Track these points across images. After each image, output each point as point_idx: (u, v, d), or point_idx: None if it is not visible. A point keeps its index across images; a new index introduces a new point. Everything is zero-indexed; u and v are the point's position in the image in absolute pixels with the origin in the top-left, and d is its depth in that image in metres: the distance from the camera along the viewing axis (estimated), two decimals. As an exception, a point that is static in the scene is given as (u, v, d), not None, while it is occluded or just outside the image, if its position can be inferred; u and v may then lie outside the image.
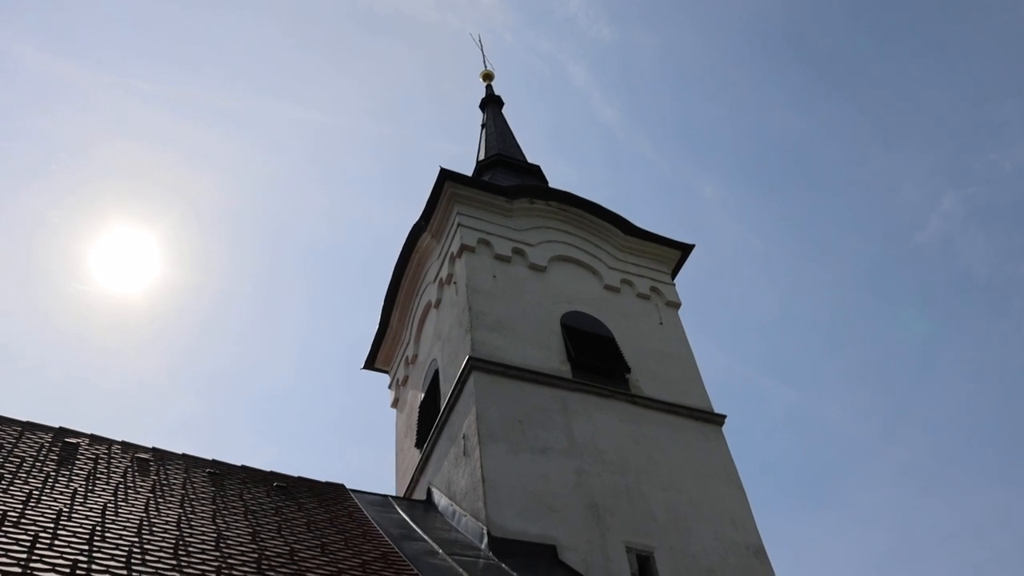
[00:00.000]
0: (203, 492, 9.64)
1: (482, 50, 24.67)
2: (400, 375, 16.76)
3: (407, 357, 16.41)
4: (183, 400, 39.75)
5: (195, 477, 10.35)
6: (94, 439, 10.88)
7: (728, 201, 44.05)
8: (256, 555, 7.44)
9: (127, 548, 6.66)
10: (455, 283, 14.44)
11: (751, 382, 38.18)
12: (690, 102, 47.38)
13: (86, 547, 6.49)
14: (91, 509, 7.77)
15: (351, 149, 47.01)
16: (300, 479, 11.96)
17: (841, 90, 43.88)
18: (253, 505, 9.63)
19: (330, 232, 45.67)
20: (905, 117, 42.03)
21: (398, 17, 47.53)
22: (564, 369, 13.15)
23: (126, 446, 11.00)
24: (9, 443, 9.75)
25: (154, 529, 7.53)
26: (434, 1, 47.23)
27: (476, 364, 12.43)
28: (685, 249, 16.64)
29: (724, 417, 13.68)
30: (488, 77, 24.15)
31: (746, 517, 12.35)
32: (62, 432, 10.77)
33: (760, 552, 11.95)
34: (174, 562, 6.63)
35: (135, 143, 40.40)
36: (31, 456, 9.43)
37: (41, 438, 10.26)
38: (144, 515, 7.95)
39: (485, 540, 10.29)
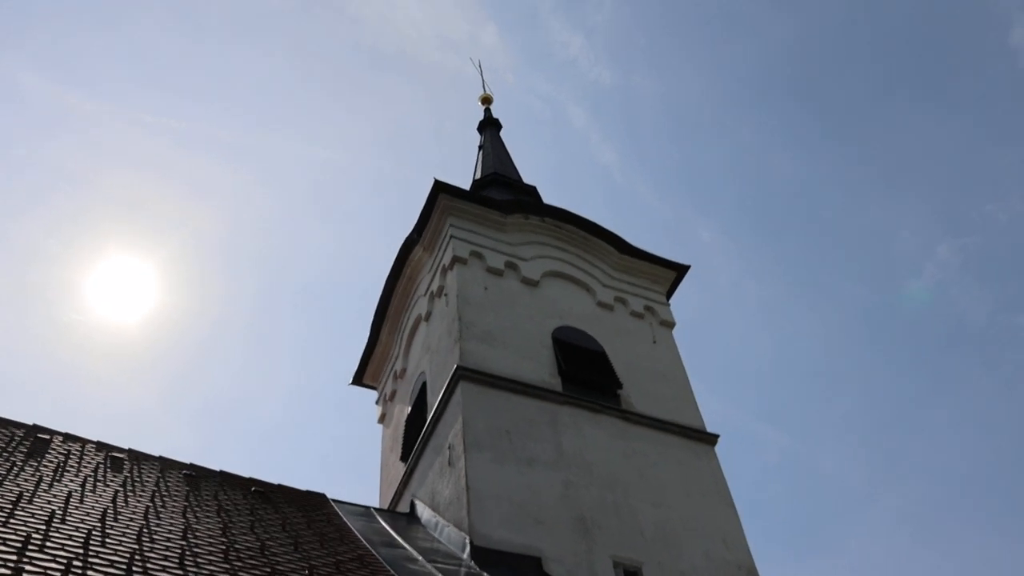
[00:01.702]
0: (176, 490, 9.32)
1: (481, 74, 24.68)
2: (388, 390, 16.45)
3: (395, 371, 16.12)
4: (176, 429, 39.24)
5: (169, 477, 10.03)
6: (68, 437, 10.58)
7: (725, 245, 43.97)
8: (224, 547, 7.12)
9: (86, 531, 6.35)
10: (446, 295, 14.21)
11: (743, 426, 37.77)
12: (689, 145, 47.53)
13: (44, 527, 6.18)
14: (55, 496, 7.46)
15: (352, 183, 47.01)
16: (280, 486, 11.62)
17: (841, 135, 44.02)
18: (227, 505, 9.30)
19: (329, 265, 45.50)
20: (903, 165, 42.09)
21: (401, 56, 47.76)
22: (554, 382, 12.88)
23: (101, 445, 10.69)
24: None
25: (119, 517, 7.22)
26: (437, 41, 47.48)
27: (464, 374, 12.16)
28: (680, 270, 16.44)
29: (717, 437, 13.38)
30: (487, 101, 24.12)
31: (738, 536, 12.01)
32: (35, 428, 10.47)
33: (752, 572, 11.59)
34: (136, 546, 6.32)
35: (136, 173, 40.32)
36: (3, 450, 9.12)
37: (12, 433, 9.95)
38: (111, 504, 7.64)
39: (467, 549, 9.95)
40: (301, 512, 10.44)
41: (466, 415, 11.65)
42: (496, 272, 14.47)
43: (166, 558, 6.22)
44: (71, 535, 6.14)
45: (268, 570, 6.75)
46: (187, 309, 38.45)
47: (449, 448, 11.77)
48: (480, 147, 22.02)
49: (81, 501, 7.50)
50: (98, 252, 35.51)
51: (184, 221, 40.38)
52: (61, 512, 6.80)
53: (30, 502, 6.95)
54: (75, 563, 5.41)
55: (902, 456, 38.76)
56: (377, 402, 17.01)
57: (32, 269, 36.73)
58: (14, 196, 37.39)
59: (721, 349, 40.88)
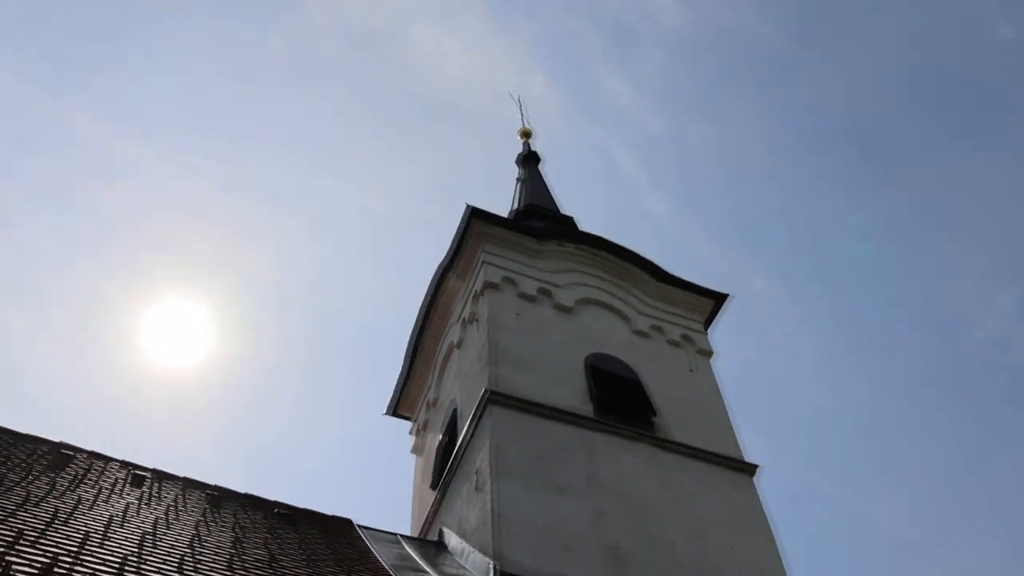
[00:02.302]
0: (193, 506, 9.13)
1: (520, 109, 24.72)
2: (421, 420, 16.21)
3: (428, 401, 15.89)
4: (228, 474, 39.27)
5: (190, 495, 9.85)
6: (93, 455, 10.49)
7: (779, 293, 43.13)
8: (229, 557, 6.89)
9: (85, 532, 6.18)
10: (477, 320, 13.99)
11: (796, 478, 36.70)
12: (742, 193, 46.88)
13: (43, 527, 6.02)
14: (64, 502, 7.32)
15: (400, 227, 47.26)
16: (306, 510, 11.39)
17: (896, 182, 43.15)
18: (245, 522, 9.10)
19: (377, 306, 45.62)
20: (961, 212, 40.98)
21: (450, 104, 48.19)
22: (587, 409, 12.53)
23: (125, 463, 10.59)
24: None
25: (126, 524, 7.04)
26: (487, 93, 47.79)
27: (494, 398, 11.88)
28: (718, 298, 16.04)
29: (756, 467, 12.87)
30: (526, 135, 24.07)
31: (778, 570, 11.45)
32: (59, 445, 10.41)
33: (793, 608, 11.03)
34: (135, 549, 6.12)
35: (189, 218, 41.13)
36: (23, 462, 9.04)
37: (37, 447, 9.89)
38: (120, 513, 7.47)
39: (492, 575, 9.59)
40: (323, 534, 10.19)
41: (495, 440, 11.35)
42: (529, 298, 14.23)
43: (164, 561, 6.01)
44: (69, 535, 5.96)
45: (273, 581, 6.52)
46: (239, 354, 38.71)
47: (476, 473, 11.45)
48: (519, 180, 21.93)
49: (91, 508, 7.35)
50: (154, 296, 36.06)
51: (236, 265, 40.94)
52: (65, 516, 6.63)
53: (36, 505, 6.81)
54: (63, 558, 5.21)
55: (961, 510, 37.22)
56: (411, 432, 16.77)
57: (89, 313, 37.39)
58: (72, 240, 38.27)
59: (774, 400, 40.00)
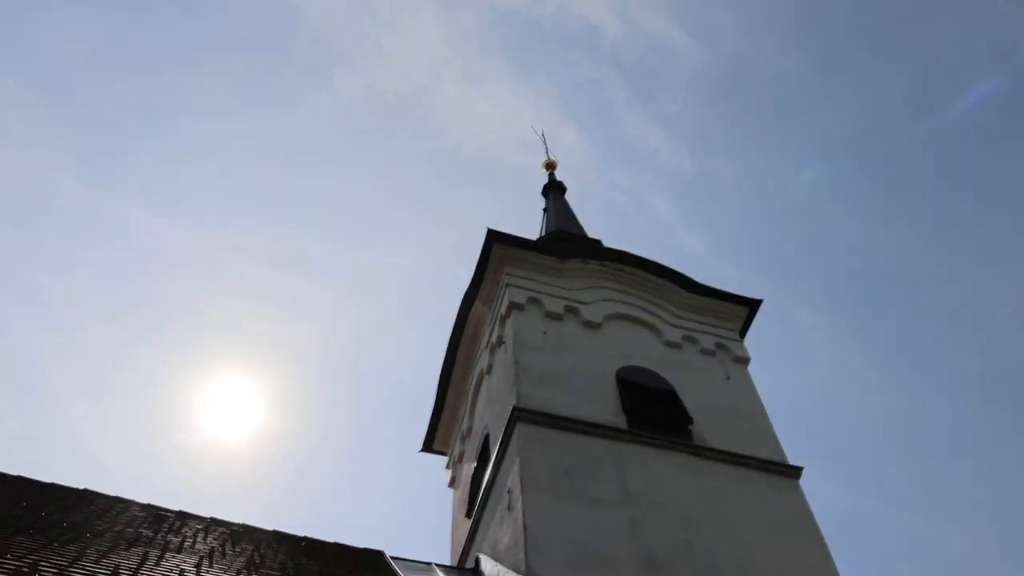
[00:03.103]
0: (211, 540, 8.92)
1: (544, 142, 24.74)
2: (456, 452, 15.93)
3: (463, 432, 15.62)
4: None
5: (212, 533, 9.65)
6: (117, 499, 10.38)
7: (824, 324, 42.13)
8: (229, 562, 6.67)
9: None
10: (504, 343, 13.77)
11: (861, 510, 35.43)
12: (778, 227, 46.11)
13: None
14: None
15: (437, 287, 47.40)
16: (335, 544, 11.12)
17: (932, 203, 42.16)
18: (265, 551, 8.86)
19: (418, 367, 45.56)
20: (999, 228, 39.84)
21: (482, 161, 48.47)
22: (618, 421, 12.19)
23: (150, 507, 10.44)
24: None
25: (128, 553, 6.86)
26: (517, 144, 48.03)
27: (520, 415, 11.61)
28: (752, 305, 15.63)
29: (801, 469, 12.35)
30: (550, 166, 24.03)
31: (829, 573, 10.89)
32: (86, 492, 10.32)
33: (848, 611, 10.45)
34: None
35: (236, 296, 41.78)
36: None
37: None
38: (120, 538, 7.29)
39: (523, 593, 9.23)
40: (350, 565, 9.91)
41: (523, 456, 11.05)
42: (555, 316, 13.99)
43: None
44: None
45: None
46: (289, 426, 38.90)
47: (508, 493, 11.14)
48: (544, 210, 21.82)
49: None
50: (206, 376, 36.65)
51: (282, 340, 41.35)
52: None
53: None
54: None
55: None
56: (447, 466, 16.48)
57: (148, 396, 38.11)
58: (131, 329, 39.11)
59: (830, 432, 38.84)
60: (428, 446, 16.98)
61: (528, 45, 50.84)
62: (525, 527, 10.02)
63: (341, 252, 44.60)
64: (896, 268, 41.97)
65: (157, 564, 6.58)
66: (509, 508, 10.89)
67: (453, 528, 14.79)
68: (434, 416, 16.72)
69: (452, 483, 15.95)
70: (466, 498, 13.90)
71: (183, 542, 8.15)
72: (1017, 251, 39.32)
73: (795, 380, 40.09)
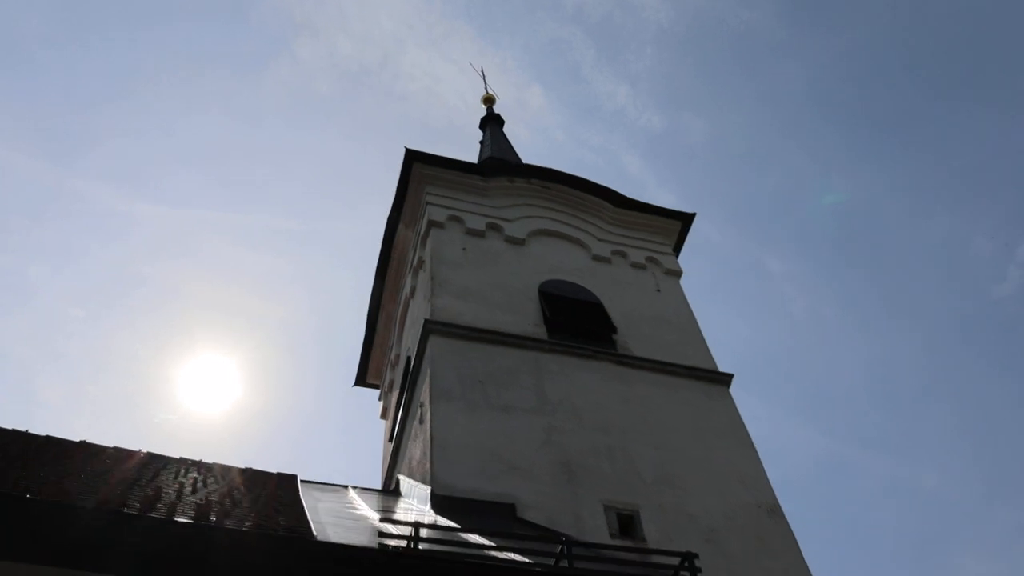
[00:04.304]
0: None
1: (484, 79, 23.99)
2: (387, 382, 15.40)
3: (391, 360, 15.09)
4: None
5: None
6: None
7: (797, 274, 41.75)
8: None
9: None
10: (424, 262, 13.19)
11: (841, 454, 35.34)
12: (747, 179, 45.34)
13: None
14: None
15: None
16: (249, 469, 10.53)
17: (899, 147, 41.54)
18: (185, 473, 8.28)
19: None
20: (968, 169, 39.38)
21: (450, 127, 47.16)
22: (539, 331, 11.70)
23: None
24: None
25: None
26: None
27: (433, 328, 11.08)
28: (684, 218, 15.14)
29: (731, 376, 11.95)
30: (489, 101, 23.28)
31: (757, 476, 10.54)
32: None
33: (775, 511, 10.10)
34: None
35: (207, 274, 40.84)
36: None
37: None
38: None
39: (428, 502, 8.75)
40: (250, 483, 9.36)
41: (434, 368, 10.54)
42: (477, 233, 13.42)
43: None
44: None
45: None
46: (261, 398, 38.19)
47: (420, 407, 10.65)
48: (481, 143, 21.14)
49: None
50: (184, 354, 35.90)
51: (252, 316, 40.49)
52: None
53: None
54: None
55: (1012, 469, 35.58)
56: (379, 398, 15.96)
57: (128, 377, 37.43)
58: (112, 309, 38.20)
59: (809, 379, 38.71)
60: (361, 380, 16.43)
61: (491, 7, 49.67)
62: (432, 437, 9.54)
63: (309, 224, 43.56)
64: (866, 215, 41.61)
65: None
66: (420, 421, 10.40)
67: (383, 458, 14.30)
68: (365, 348, 16.16)
69: (383, 414, 15.43)
70: (391, 424, 13.40)
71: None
72: (982, 193, 39.19)
73: (772, 329, 39.93)
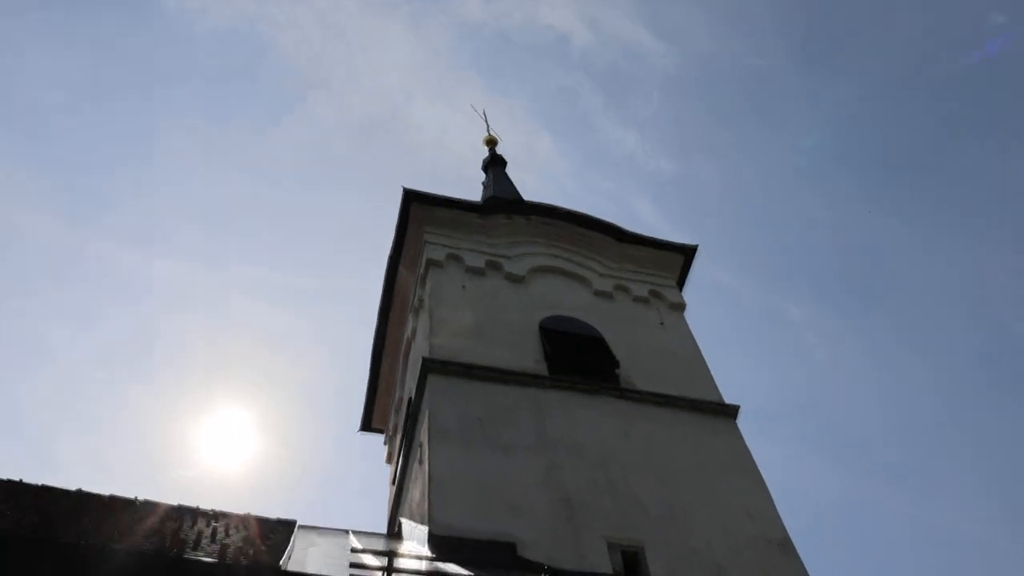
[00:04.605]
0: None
1: (486, 120, 24.08)
2: (391, 426, 15.23)
3: (396, 403, 14.94)
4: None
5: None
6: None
7: (818, 319, 41.30)
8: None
9: None
10: (423, 302, 13.10)
11: (867, 496, 34.65)
12: (762, 225, 45.19)
13: None
14: None
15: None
16: (247, 515, 10.37)
17: (912, 189, 41.40)
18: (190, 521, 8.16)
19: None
20: (981, 206, 39.23)
21: (460, 179, 47.50)
22: (539, 368, 11.56)
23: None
24: None
25: None
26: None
27: (431, 366, 10.95)
28: (687, 252, 15.00)
29: (737, 407, 11.74)
30: (491, 143, 23.27)
31: (766, 508, 10.29)
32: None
33: (786, 544, 9.84)
34: None
35: (222, 330, 40.90)
36: None
37: None
38: None
39: (427, 543, 8.55)
40: (245, 530, 9.19)
41: (432, 407, 10.41)
42: (476, 271, 13.35)
43: None
44: None
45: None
46: (280, 450, 38.04)
47: (419, 447, 10.48)
48: (484, 184, 21.13)
49: None
50: (203, 410, 35.91)
51: (271, 369, 40.52)
52: None
53: None
54: None
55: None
56: (385, 442, 15.77)
57: (147, 436, 37.47)
58: (124, 367, 38.35)
59: (833, 424, 38.07)
60: (367, 424, 16.26)
61: (498, 58, 50.11)
62: (430, 477, 9.37)
63: (324, 280, 43.57)
64: (884, 256, 41.29)
65: None
66: (420, 462, 10.23)
67: (388, 501, 14.07)
68: (369, 392, 16.01)
69: (389, 459, 15.23)
70: (395, 467, 13.21)
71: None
72: (1002, 232, 38.87)
73: (794, 375, 39.50)
